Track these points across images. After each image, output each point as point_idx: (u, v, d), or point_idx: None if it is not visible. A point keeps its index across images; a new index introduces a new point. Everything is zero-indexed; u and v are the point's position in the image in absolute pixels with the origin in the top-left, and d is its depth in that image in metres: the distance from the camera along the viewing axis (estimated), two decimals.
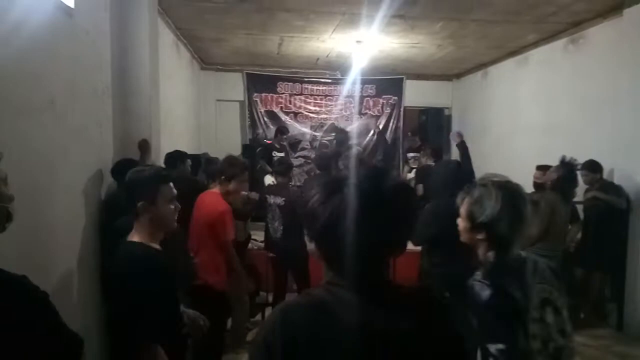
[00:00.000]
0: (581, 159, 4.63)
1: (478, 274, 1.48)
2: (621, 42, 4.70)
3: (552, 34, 5.86)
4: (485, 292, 1.41)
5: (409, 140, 8.35)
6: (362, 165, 1.07)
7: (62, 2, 2.75)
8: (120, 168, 3.31)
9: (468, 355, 1.09)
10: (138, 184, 1.87)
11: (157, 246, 1.90)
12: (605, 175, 4.62)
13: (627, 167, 4.53)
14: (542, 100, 6.24)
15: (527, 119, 6.56)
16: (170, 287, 1.92)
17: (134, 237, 1.87)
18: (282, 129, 7.82)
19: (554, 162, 4.23)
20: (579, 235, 4.49)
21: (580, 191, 4.76)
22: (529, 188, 5.40)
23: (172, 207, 1.91)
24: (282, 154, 7.23)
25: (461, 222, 1.60)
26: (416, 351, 0.91)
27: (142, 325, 1.74)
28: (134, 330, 1.77)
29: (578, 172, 4.13)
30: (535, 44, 6.30)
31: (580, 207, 4.62)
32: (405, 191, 0.99)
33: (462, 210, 1.57)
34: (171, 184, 1.94)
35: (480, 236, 1.52)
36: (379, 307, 0.91)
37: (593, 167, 4.53)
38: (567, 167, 3.92)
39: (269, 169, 6.86)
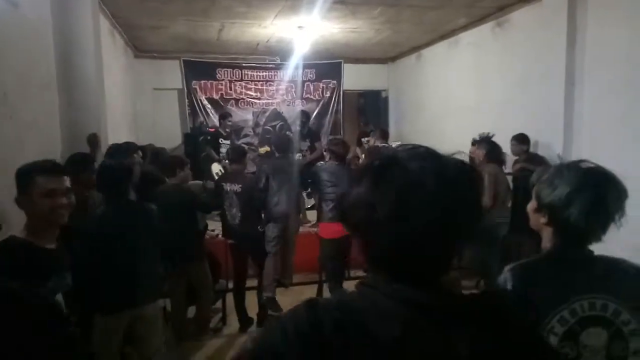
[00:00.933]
0: (509, 133, 5.12)
1: (520, 261, 1.26)
2: (542, 25, 5.16)
3: (481, 18, 6.27)
4: (508, 286, 1.20)
5: (362, 126, 8.55)
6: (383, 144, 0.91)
7: None
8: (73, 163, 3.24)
9: None
10: (16, 175, 1.72)
11: (46, 244, 1.72)
12: (531, 148, 5.10)
13: (550, 140, 5.04)
14: (472, 80, 6.69)
15: (459, 99, 7.00)
16: None
17: (22, 232, 1.71)
18: (224, 114, 7.76)
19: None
20: (509, 204, 4.95)
21: (510, 163, 5.25)
22: None
23: (50, 200, 1.68)
24: (228, 142, 7.18)
25: (531, 203, 1.35)
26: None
27: None
28: None
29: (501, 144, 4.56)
30: (465, 27, 6.71)
31: (510, 178, 5.08)
32: (469, 171, 0.82)
33: (534, 189, 1.33)
34: (60, 176, 1.75)
35: (543, 220, 1.27)
36: (451, 324, 0.72)
37: (520, 138, 5.00)
38: (486, 141, 4.36)
39: (216, 156, 6.83)
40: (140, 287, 2.38)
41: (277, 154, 4.49)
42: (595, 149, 4.63)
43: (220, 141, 7.09)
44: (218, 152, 6.92)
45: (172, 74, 8.38)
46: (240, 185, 4.02)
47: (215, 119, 8.42)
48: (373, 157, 0.83)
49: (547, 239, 1.29)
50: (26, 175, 1.69)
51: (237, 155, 4.25)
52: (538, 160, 4.93)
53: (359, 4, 5.53)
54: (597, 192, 1.19)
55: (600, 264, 1.24)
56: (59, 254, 1.77)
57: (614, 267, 1.24)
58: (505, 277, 1.22)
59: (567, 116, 4.84)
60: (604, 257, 1.25)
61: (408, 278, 0.74)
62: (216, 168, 6.38)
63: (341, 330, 0.70)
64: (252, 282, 4.24)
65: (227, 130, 7.44)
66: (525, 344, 0.79)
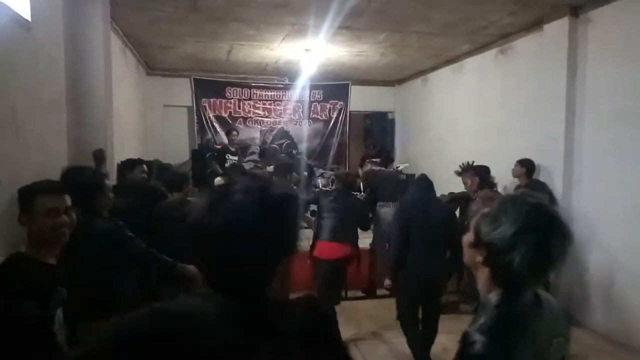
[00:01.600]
0: (511, 158, 5.17)
1: (477, 325, 1.12)
2: (543, 53, 5.24)
3: (484, 45, 6.37)
4: (481, 353, 1.06)
5: (369, 148, 8.61)
6: (249, 176, 0.97)
7: (19, 15, 2.78)
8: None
9: None
10: (18, 195, 1.80)
11: (48, 260, 1.78)
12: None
13: (550, 166, 5.07)
14: (476, 105, 6.76)
15: (463, 122, 7.07)
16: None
17: (25, 248, 1.78)
18: (229, 130, 7.92)
19: (487, 160, 4.72)
20: None
21: (512, 187, 5.28)
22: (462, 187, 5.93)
23: (51, 220, 1.75)
24: (236, 158, 7.31)
25: (467, 236, 1.22)
26: None
27: None
28: None
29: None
30: (469, 53, 6.82)
31: None
32: (290, 202, 0.92)
33: (473, 220, 1.22)
34: (61, 195, 1.81)
35: (479, 258, 1.16)
36: (260, 324, 0.84)
37: (525, 163, 5.05)
38: (473, 168, 4.44)
39: (220, 170, 6.94)
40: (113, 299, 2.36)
41: (275, 177, 4.56)
42: (595, 177, 4.66)
43: (227, 157, 7.20)
44: (223, 168, 7.03)
45: (182, 91, 8.58)
46: None
47: (223, 136, 8.58)
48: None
49: (483, 280, 1.18)
50: (28, 195, 1.77)
51: (236, 173, 4.34)
52: (539, 187, 4.96)
53: (364, 29, 5.66)
54: (541, 236, 1.08)
55: (544, 304, 1.19)
56: (59, 270, 1.83)
57: (550, 302, 1.22)
58: (472, 339, 1.09)
59: (567, 143, 4.87)
60: (539, 293, 1.20)
61: (230, 292, 0.85)
62: (219, 182, 6.47)
63: (171, 337, 0.78)
64: None
65: (235, 145, 7.56)
66: (328, 356, 0.88)
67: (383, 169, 5.15)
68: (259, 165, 8.47)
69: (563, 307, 1.25)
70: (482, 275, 1.17)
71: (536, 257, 1.08)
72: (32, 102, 2.94)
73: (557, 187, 4.94)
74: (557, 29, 4.97)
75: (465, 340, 1.10)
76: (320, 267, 4.07)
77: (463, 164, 4.66)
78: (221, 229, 0.85)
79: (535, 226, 1.09)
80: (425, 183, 3.84)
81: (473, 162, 4.64)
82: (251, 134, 8.98)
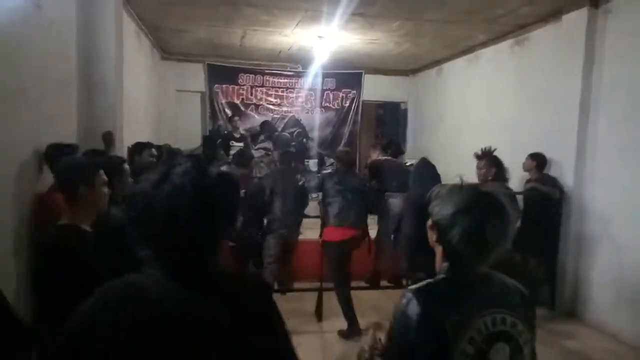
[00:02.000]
0: (523, 151, 5.10)
1: (420, 284, 1.26)
2: (560, 44, 5.12)
3: (500, 35, 6.26)
4: (414, 310, 1.17)
5: (377, 138, 8.49)
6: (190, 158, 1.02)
7: None
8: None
9: (282, 343, 1.05)
10: (79, 168, 1.96)
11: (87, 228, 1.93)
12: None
13: (562, 160, 4.98)
14: (490, 96, 6.66)
15: (476, 113, 6.98)
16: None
17: (69, 219, 1.89)
18: (233, 116, 7.94)
19: (498, 153, 4.64)
20: (518, 223, 4.90)
21: (522, 182, 5.21)
22: (474, 178, 5.85)
23: (104, 191, 1.98)
24: (242, 144, 7.30)
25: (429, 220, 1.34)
26: (228, 337, 0.93)
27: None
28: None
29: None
30: (485, 44, 6.70)
31: (520, 198, 5.04)
32: (226, 182, 1.00)
33: (431, 204, 1.33)
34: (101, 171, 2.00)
35: (434, 237, 1.29)
36: (194, 295, 0.92)
37: (533, 155, 4.97)
38: (488, 156, 4.35)
39: (226, 158, 6.96)
40: None
41: (279, 165, 4.52)
42: (608, 173, 4.57)
43: (231, 143, 7.21)
44: (228, 155, 7.06)
45: (195, 76, 8.59)
46: (244, 190, 4.11)
47: (235, 123, 8.61)
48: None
49: (438, 257, 1.30)
50: (92, 169, 1.95)
51: (244, 159, 4.35)
52: (550, 181, 4.89)
53: (378, 17, 5.59)
54: (478, 217, 1.19)
55: (492, 281, 1.28)
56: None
57: (504, 283, 1.31)
58: (409, 300, 1.19)
59: (580, 138, 4.78)
60: (495, 273, 1.30)
61: (173, 261, 0.94)
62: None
63: (124, 304, 0.91)
64: None
65: (246, 132, 7.56)
66: (254, 314, 0.98)
67: (389, 158, 5.08)
68: (269, 152, 8.48)
69: (526, 293, 1.32)
70: (437, 253, 1.30)
71: (473, 235, 1.19)
72: (42, 81, 2.97)
73: (568, 182, 4.86)
74: (576, 19, 4.85)
75: (401, 297, 1.23)
76: (328, 248, 4.08)
77: (484, 148, 4.58)
78: (161, 206, 0.91)
79: (472, 207, 1.20)
80: (430, 174, 3.76)
81: (495, 149, 4.55)
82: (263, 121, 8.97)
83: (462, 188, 1.26)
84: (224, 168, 6.44)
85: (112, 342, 0.87)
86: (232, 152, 7.18)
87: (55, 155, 2.80)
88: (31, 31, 2.82)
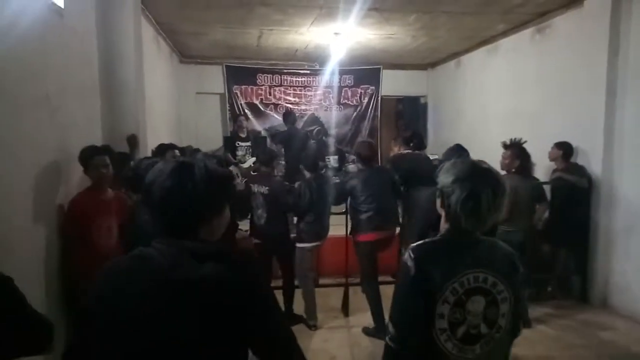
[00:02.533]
0: (547, 142, 4.99)
1: (421, 241, 1.51)
2: (582, 31, 5.00)
3: (520, 24, 6.13)
4: (411, 261, 1.42)
5: (400, 129, 8.35)
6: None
7: (53, 2, 2.87)
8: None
9: (264, 307, 1.16)
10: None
11: None
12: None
13: (589, 149, 4.86)
14: (511, 87, 6.54)
15: (498, 105, 6.86)
16: None
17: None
18: (237, 117, 7.98)
19: (525, 145, 4.54)
20: (547, 214, 4.80)
21: (548, 171, 5.10)
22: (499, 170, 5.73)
23: None
24: (247, 143, 7.32)
25: None
26: (210, 298, 1.08)
27: None
28: None
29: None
30: (504, 34, 6.58)
31: (547, 188, 4.93)
32: (218, 178, 1.20)
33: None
34: None
35: (439, 203, 1.51)
36: (185, 260, 1.10)
37: (559, 145, 4.87)
38: (518, 147, 4.26)
39: (233, 160, 6.99)
40: None
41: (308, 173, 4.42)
42: (636, 159, 4.44)
43: (237, 144, 7.25)
44: (235, 156, 7.11)
45: (214, 78, 8.68)
46: (267, 188, 4.13)
47: (255, 123, 8.66)
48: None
49: (442, 220, 1.52)
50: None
51: (267, 158, 4.36)
52: (577, 171, 4.78)
53: (394, 11, 5.55)
54: (473, 185, 1.39)
55: (483, 246, 1.49)
56: None
57: (494, 247, 1.51)
58: (408, 254, 1.45)
59: (607, 125, 4.65)
60: (487, 239, 1.50)
61: (174, 233, 1.14)
62: (233, 171, 6.54)
63: (130, 271, 1.12)
64: (276, 282, 4.32)
65: (244, 129, 7.57)
66: (243, 283, 1.13)
67: (412, 152, 5.00)
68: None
69: (517, 261, 1.51)
70: (442, 217, 1.52)
71: (469, 200, 1.39)
72: (66, 87, 3.03)
73: (596, 170, 4.74)
74: (599, 4, 4.72)
75: (405, 252, 1.49)
76: (362, 249, 4.08)
77: (513, 138, 4.50)
78: (172, 188, 1.13)
79: (469, 176, 1.41)
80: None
81: (525, 141, 4.46)
82: (282, 120, 8.99)
83: (463, 162, 1.49)
84: (231, 168, 6.46)
85: (125, 300, 1.07)
86: (238, 152, 7.23)
87: (89, 157, 2.91)
88: (54, 39, 2.89)
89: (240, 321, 1.09)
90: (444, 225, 1.51)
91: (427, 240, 1.51)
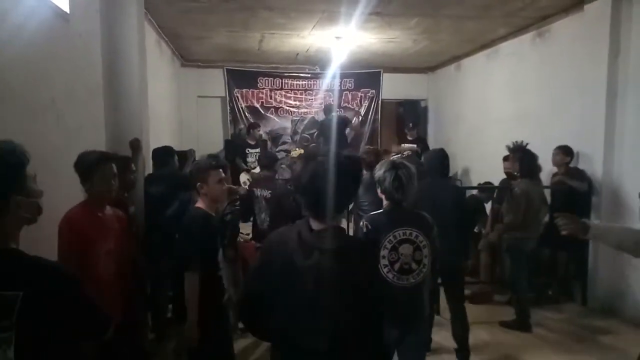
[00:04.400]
0: (548, 146, 5.00)
1: (371, 213, 2.59)
2: (583, 34, 5.03)
3: (521, 28, 6.16)
4: (365, 226, 2.47)
5: (407, 127, 8.29)
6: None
7: (58, 7, 2.89)
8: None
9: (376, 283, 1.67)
10: (197, 169, 2.69)
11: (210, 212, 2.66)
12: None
13: (589, 153, 4.88)
14: (512, 91, 6.56)
15: (498, 109, 6.88)
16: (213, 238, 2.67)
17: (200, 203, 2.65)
18: (253, 124, 7.93)
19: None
20: (547, 218, 4.82)
21: (548, 175, 5.12)
22: (500, 174, 5.76)
23: (221, 186, 2.65)
24: (257, 150, 7.34)
25: None
26: (326, 264, 1.45)
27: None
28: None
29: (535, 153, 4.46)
30: (505, 38, 6.61)
31: (547, 192, 4.95)
32: (355, 163, 1.57)
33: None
34: (219, 170, 2.64)
35: (379, 190, 2.54)
36: (324, 236, 1.49)
37: (565, 150, 4.88)
38: (521, 151, 4.29)
39: (244, 166, 7.02)
40: None
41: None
42: (637, 162, 4.46)
43: (247, 150, 7.27)
44: (245, 162, 7.12)
45: (215, 82, 8.69)
46: (269, 191, 4.15)
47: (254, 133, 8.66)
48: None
49: (385, 202, 2.55)
50: (205, 170, 2.61)
51: (269, 161, 4.38)
52: (577, 174, 4.80)
53: (395, 15, 5.58)
54: (395, 172, 2.44)
55: (411, 214, 2.53)
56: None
57: (418, 215, 2.52)
58: (364, 223, 2.49)
59: (608, 129, 4.69)
60: (414, 211, 2.56)
61: (316, 217, 1.52)
62: (244, 177, 6.56)
63: (273, 246, 1.59)
64: None
65: (257, 138, 7.59)
66: (356, 264, 1.52)
67: (401, 155, 5.03)
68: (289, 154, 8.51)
69: (432, 222, 2.53)
70: (384, 200, 2.57)
71: (395, 181, 2.44)
72: (71, 91, 3.05)
73: (597, 174, 4.77)
74: (599, 9, 4.76)
75: (362, 224, 2.53)
76: None
77: (515, 142, 4.52)
78: (312, 176, 1.48)
79: (392, 169, 2.47)
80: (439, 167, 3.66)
81: (527, 144, 4.48)
82: (283, 124, 9.03)
83: (385, 161, 2.70)
84: (242, 175, 6.48)
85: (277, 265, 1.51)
86: (249, 158, 7.25)
87: (93, 165, 2.63)
88: (60, 44, 2.91)
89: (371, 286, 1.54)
90: (385, 202, 2.53)
91: (375, 213, 2.54)
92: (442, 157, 3.65)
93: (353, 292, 1.46)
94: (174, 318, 2.73)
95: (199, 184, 2.59)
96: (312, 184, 1.46)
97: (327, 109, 8.44)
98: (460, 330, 3.58)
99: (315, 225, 1.50)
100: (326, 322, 1.44)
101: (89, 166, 2.42)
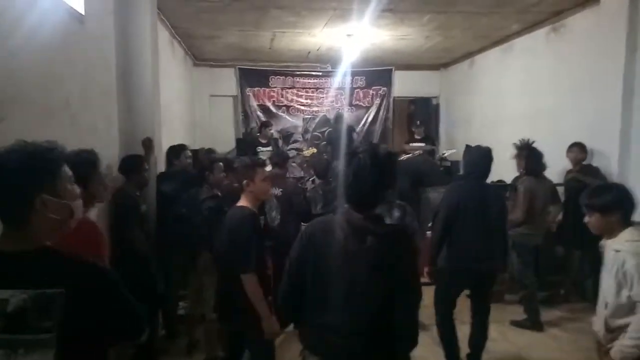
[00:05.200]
0: (563, 143, 4.94)
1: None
2: (599, 29, 4.94)
3: (535, 23, 6.09)
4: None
5: (415, 125, 8.23)
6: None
7: (74, 9, 2.92)
8: (127, 165, 3.52)
9: (408, 270, 1.75)
10: (244, 165, 2.68)
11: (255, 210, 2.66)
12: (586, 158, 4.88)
13: (605, 150, 4.80)
14: (526, 87, 6.49)
15: (512, 106, 6.80)
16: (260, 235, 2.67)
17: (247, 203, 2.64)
18: (266, 123, 7.93)
19: (536, 145, 4.51)
20: (560, 216, 4.76)
21: (562, 173, 5.06)
22: (513, 172, 5.71)
23: (267, 184, 2.76)
24: (269, 148, 7.35)
25: None
26: (379, 247, 1.65)
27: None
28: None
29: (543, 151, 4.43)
30: (519, 33, 6.53)
31: (561, 189, 4.89)
32: (392, 157, 1.77)
33: None
34: (265, 167, 2.75)
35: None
36: (361, 220, 1.67)
37: (581, 146, 4.83)
38: (527, 148, 4.24)
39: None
40: None
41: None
42: None
43: (258, 149, 7.28)
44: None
45: (227, 81, 8.74)
46: (280, 189, 4.16)
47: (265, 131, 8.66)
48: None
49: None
50: (252, 167, 2.64)
51: (280, 159, 4.39)
52: (592, 172, 4.73)
53: (408, 12, 5.55)
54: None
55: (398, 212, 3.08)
56: None
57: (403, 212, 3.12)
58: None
59: (624, 125, 4.60)
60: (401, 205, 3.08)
61: (355, 208, 1.70)
62: None
63: (317, 233, 1.78)
64: None
65: (269, 137, 7.58)
66: (401, 247, 1.73)
67: (412, 154, 5.00)
68: (300, 152, 8.52)
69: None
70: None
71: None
72: (85, 92, 3.09)
73: (612, 171, 4.69)
74: (616, 2, 4.67)
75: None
76: None
77: (522, 139, 4.48)
78: (351, 173, 1.69)
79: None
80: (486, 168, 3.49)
81: (533, 142, 4.44)
82: (294, 122, 9.05)
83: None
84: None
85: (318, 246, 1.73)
86: (260, 157, 7.24)
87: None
88: (75, 45, 2.94)
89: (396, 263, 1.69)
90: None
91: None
92: (489, 158, 3.45)
93: (398, 274, 1.64)
94: (242, 324, 2.67)
95: (245, 181, 2.61)
96: (357, 177, 1.63)
97: (337, 119, 8.30)
98: (480, 339, 3.44)
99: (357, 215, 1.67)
100: (371, 303, 1.62)
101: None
